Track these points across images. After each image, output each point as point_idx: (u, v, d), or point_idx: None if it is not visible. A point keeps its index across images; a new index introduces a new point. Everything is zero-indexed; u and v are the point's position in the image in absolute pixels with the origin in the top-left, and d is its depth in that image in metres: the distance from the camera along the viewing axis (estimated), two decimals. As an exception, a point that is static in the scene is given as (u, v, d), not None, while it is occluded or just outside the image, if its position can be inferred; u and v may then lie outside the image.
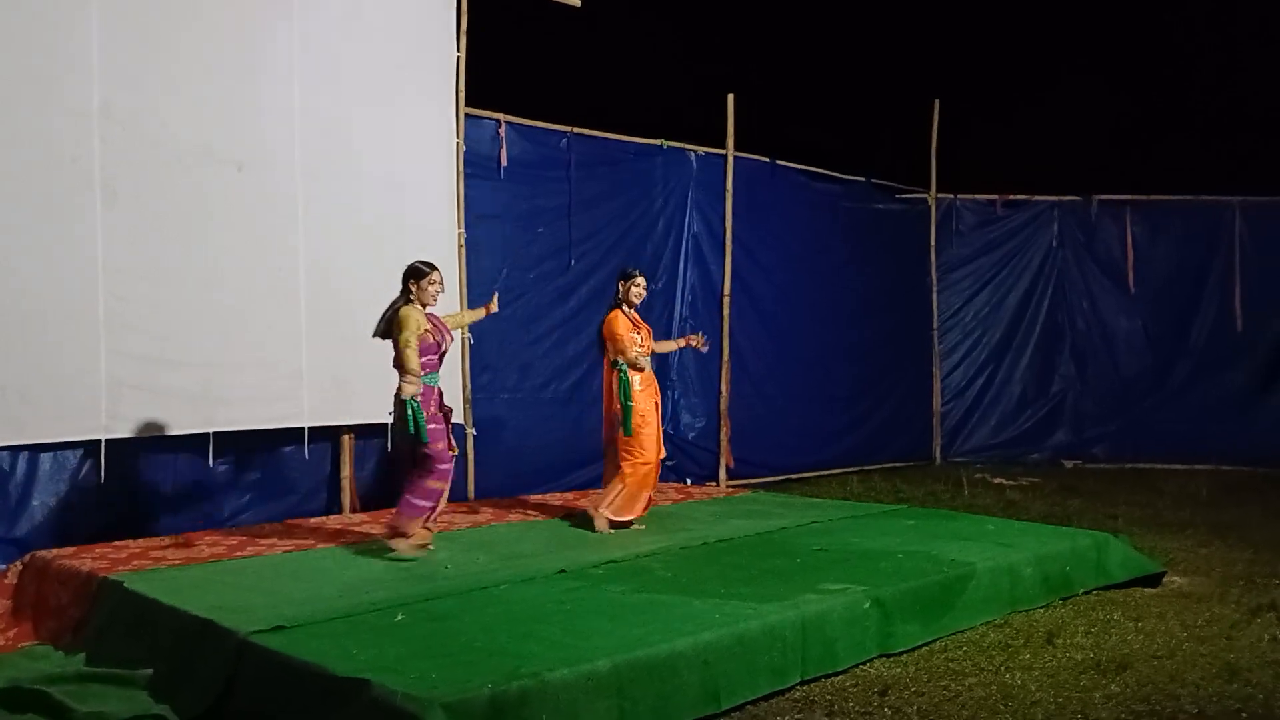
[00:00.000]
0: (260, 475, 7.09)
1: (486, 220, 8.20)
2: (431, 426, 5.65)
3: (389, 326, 5.68)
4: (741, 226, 9.97)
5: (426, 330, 5.68)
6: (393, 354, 5.65)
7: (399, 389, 5.54)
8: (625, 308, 6.70)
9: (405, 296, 5.73)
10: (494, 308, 6.44)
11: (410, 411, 5.54)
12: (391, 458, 7.58)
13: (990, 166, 12.30)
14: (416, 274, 5.74)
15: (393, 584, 5.04)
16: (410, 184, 7.58)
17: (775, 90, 12.86)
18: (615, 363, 6.58)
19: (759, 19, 13.70)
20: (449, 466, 5.81)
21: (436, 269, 5.81)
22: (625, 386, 6.52)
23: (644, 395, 6.61)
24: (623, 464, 6.55)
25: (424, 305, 5.75)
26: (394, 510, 5.83)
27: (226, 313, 6.68)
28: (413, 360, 5.53)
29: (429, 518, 5.81)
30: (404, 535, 5.69)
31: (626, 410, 6.49)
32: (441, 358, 5.85)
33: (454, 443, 5.88)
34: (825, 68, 13.49)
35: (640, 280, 6.76)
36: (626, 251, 9.03)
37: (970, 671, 4.56)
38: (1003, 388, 12.01)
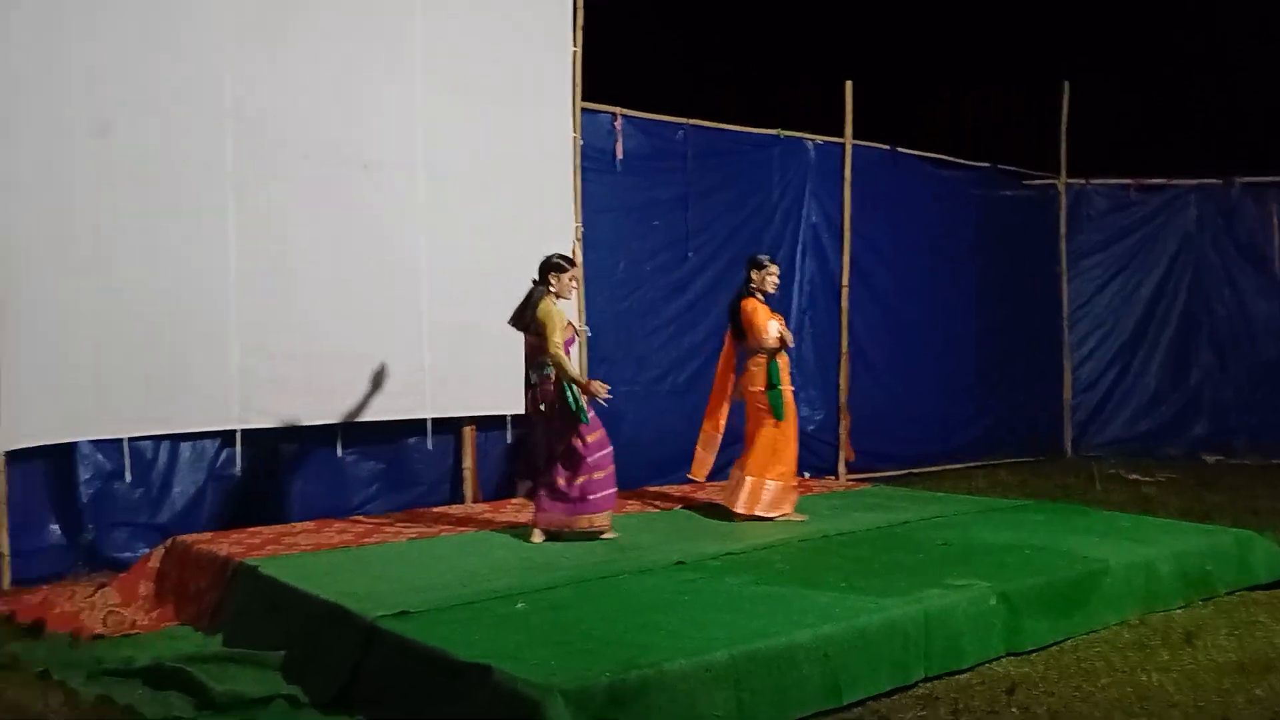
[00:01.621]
0: (386, 466, 7.28)
1: (602, 214, 8.24)
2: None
3: (534, 320, 5.76)
4: (861, 216, 9.80)
5: (569, 324, 5.87)
6: (528, 344, 5.87)
7: (548, 377, 5.76)
8: (760, 296, 6.56)
9: (545, 289, 5.84)
10: None
11: (571, 395, 5.73)
12: (516, 448, 7.71)
13: (1124, 149, 11.83)
14: (558, 268, 5.87)
15: (513, 573, 5.10)
16: (528, 179, 7.66)
17: (894, 76, 12.59)
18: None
19: (876, 3, 13.45)
20: (610, 450, 5.95)
21: (575, 263, 5.96)
22: (775, 371, 6.45)
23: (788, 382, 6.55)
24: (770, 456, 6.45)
25: (561, 297, 5.87)
26: (579, 515, 5.88)
27: (352, 308, 6.87)
28: (567, 358, 5.76)
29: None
30: (606, 524, 5.94)
31: (776, 394, 6.41)
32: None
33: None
34: (946, 51, 13.17)
35: (774, 269, 6.61)
36: (743, 243, 8.95)
37: (1103, 671, 4.39)
38: (1137, 379, 11.52)
